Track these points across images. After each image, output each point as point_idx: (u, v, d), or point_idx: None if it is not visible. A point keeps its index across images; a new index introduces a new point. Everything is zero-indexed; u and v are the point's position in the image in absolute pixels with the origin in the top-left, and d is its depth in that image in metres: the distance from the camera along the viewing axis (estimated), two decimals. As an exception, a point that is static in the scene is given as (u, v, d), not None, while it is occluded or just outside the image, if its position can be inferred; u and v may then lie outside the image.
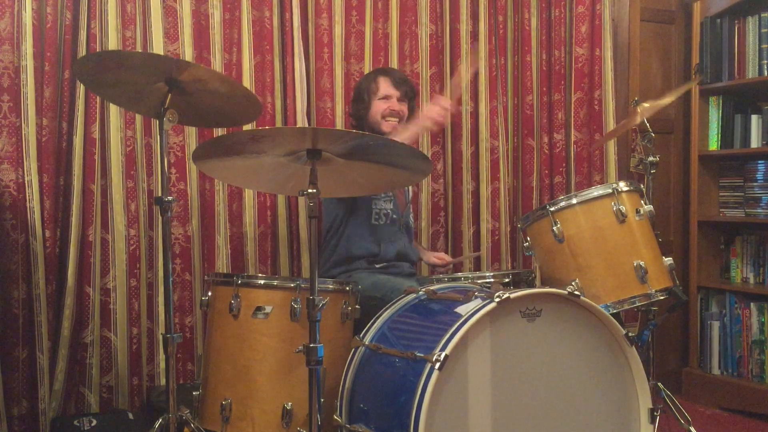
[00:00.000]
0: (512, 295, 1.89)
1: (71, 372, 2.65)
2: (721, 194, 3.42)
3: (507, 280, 2.37)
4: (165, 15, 2.78)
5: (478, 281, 2.33)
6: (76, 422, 2.49)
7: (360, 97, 2.78)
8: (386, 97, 2.72)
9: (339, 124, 3.05)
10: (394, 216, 2.75)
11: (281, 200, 2.97)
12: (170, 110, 1.97)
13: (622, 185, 2.30)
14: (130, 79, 2.00)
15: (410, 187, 2.96)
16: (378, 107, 2.72)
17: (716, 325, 3.32)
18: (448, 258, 2.94)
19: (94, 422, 2.49)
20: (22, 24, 2.53)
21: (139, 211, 2.74)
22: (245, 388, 2.12)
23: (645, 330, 2.43)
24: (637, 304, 2.24)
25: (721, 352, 3.30)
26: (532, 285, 2.45)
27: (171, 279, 2.02)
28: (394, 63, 3.14)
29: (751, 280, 3.31)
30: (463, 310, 1.92)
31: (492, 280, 2.32)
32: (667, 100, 2.60)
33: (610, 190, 2.27)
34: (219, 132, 2.82)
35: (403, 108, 2.75)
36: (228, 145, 1.90)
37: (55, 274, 2.61)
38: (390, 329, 2.10)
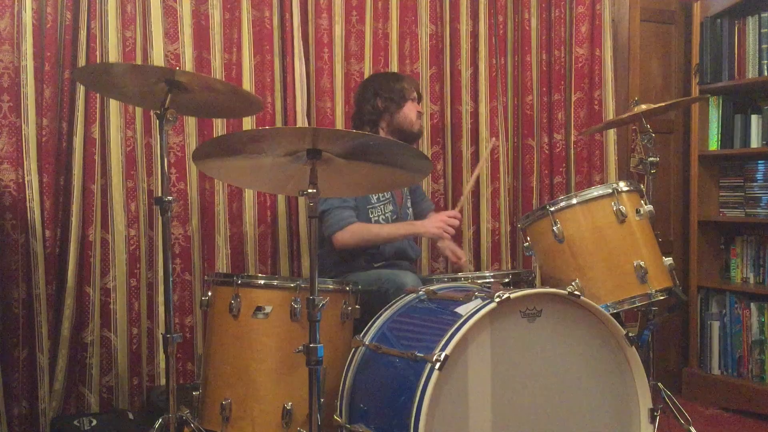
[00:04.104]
0: (512, 295, 1.89)
1: (71, 372, 2.65)
2: (721, 194, 3.41)
3: (507, 280, 2.38)
4: (165, 15, 2.78)
5: (478, 281, 2.33)
6: (76, 422, 2.49)
7: (390, 97, 2.75)
8: (415, 99, 2.81)
9: (339, 124, 3.05)
10: (395, 217, 2.75)
11: (281, 200, 2.97)
12: (170, 110, 1.97)
13: (622, 185, 2.30)
14: (130, 82, 2.01)
15: None
16: (411, 109, 2.77)
17: (716, 325, 3.32)
18: (463, 257, 2.84)
19: (94, 422, 2.49)
20: (22, 24, 2.53)
21: (139, 211, 2.74)
22: (245, 388, 2.13)
23: (645, 330, 2.43)
24: (637, 304, 2.24)
25: (721, 352, 3.30)
26: (532, 285, 2.45)
27: (171, 279, 2.02)
28: (394, 63, 3.14)
29: (751, 280, 3.31)
30: (463, 310, 1.92)
31: (492, 280, 2.32)
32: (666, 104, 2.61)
33: (610, 190, 2.27)
34: (219, 132, 2.82)
35: None
36: (228, 145, 1.90)
37: (55, 274, 2.61)
38: (390, 329, 2.10)
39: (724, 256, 3.44)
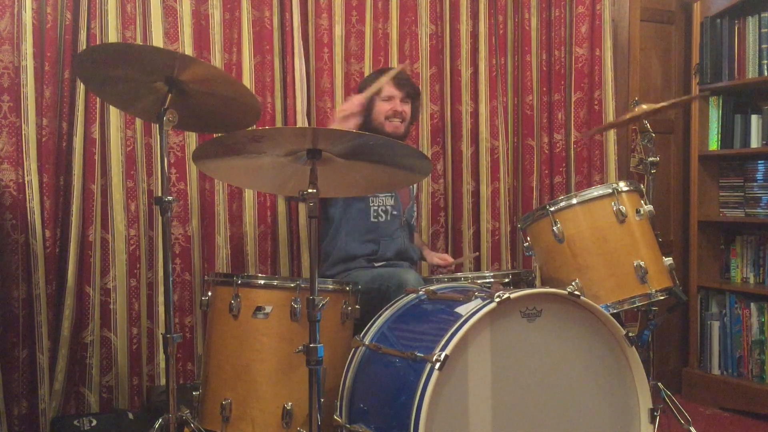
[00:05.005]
0: (512, 295, 1.89)
1: (71, 372, 2.65)
2: (721, 194, 3.41)
3: (507, 280, 2.38)
4: (165, 15, 2.78)
5: (478, 281, 2.33)
6: (76, 422, 2.49)
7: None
8: (389, 98, 2.71)
9: (339, 124, 3.04)
10: (395, 212, 2.74)
11: (281, 200, 2.97)
12: (170, 110, 1.97)
13: (622, 185, 2.30)
14: (129, 76, 2.00)
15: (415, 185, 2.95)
16: (381, 108, 2.71)
17: (716, 325, 3.32)
18: (450, 259, 2.93)
19: (94, 422, 2.49)
20: (22, 24, 2.53)
21: (139, 211, 2.74)
22: (245, 388, 2.13)
23: (645, 330, 2.43)
24: (637, 304, 2.24)
25: (721, 352, 3.30)
26: (532, 285, 2.45)
27: (171, 279, 2.02)
28: (394, 63, 3.13)
29: (751, 280, 3.31)
30: (463, 310, 1.92)
31: (492, 280, 2.32)
32: (666, 104, 2.60)
33: (610, 190, 2.27)
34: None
35: (406, 108, 2.74)
36: (228, 145, 1.90)
37: (55, 274, 2.61)
38: (390, 329, 2.10)
39: (724, 256, 3.44)
